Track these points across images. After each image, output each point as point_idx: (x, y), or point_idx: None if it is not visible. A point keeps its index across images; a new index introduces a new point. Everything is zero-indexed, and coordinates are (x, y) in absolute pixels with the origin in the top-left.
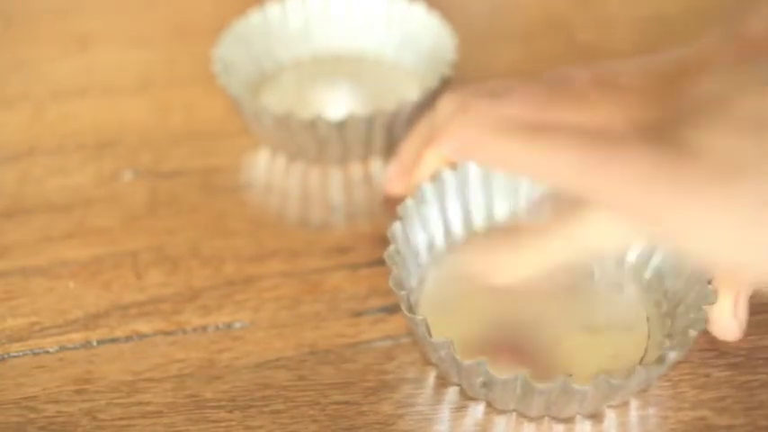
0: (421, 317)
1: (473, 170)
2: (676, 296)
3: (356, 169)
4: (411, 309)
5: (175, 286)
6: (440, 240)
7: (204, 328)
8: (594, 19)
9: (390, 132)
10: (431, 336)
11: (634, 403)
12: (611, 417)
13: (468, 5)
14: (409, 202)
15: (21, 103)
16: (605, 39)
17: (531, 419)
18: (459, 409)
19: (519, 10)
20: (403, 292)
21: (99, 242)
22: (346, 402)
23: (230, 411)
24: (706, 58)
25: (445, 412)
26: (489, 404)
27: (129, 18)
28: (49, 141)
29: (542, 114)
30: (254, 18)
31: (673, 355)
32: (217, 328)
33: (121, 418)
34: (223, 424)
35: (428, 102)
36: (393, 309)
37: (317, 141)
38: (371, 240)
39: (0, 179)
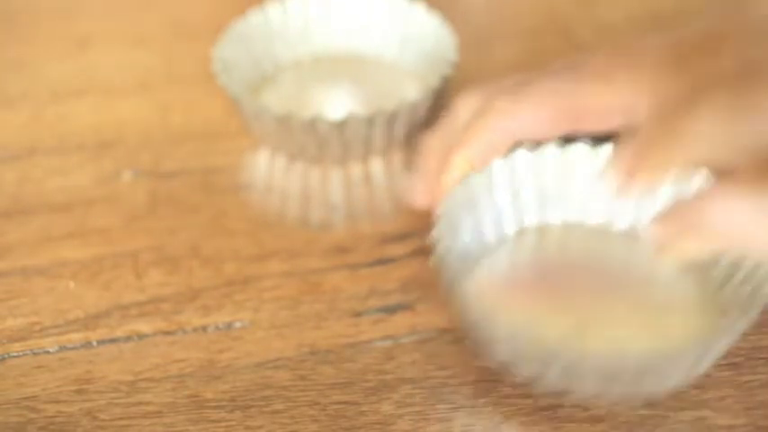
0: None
1: (498, 172)
2: (724, 272)
3: (356, 169)
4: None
5: (175, 286)
6: (474, 247)
7: (204, 328)
8: (594, 19)
9: (390, 132)
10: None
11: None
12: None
13: (469, 5)
14: (442, 208)
15: (21, 103)
16: (605, 39)
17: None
18: (458, 408)
19: (519, 10)
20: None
21: (99, 242)
22: (346, 402)
23: (230, 411)
24: (726, 30)
25: (445, 412)
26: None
27: (129, 18)
28: (49, 141)
29: (567, 103)
30: (254, 18)
31: (743, 322)
32: (217, 328)
33: (121, 418)
34: (223, 424)
35: (428, 102)
36: (393, 309)
37: (317, 141)
38: (371, 240)
39: (0, 179)
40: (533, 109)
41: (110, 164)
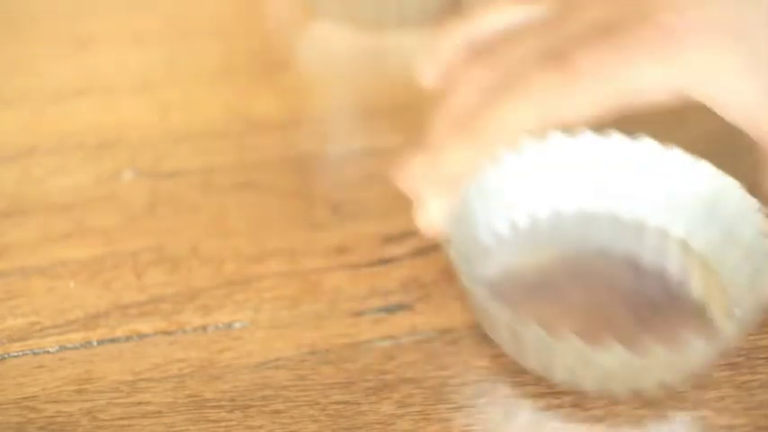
0: (501, 304)
1: (509, 163)
2: (730, 269)
3: (359, 168)
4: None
5: (175, 286)
6: (487, 239)
7: (204, 328)
8: None
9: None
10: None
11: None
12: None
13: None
14: (457, 202)
15: (21, 102)
16: None
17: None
18: (459, 409)
19: None
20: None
21: (99, 242)
22: (346, 402)
23: (230, 411)
24: None
25: (445, 412)
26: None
27: (129, 18)
28: (50, 141)
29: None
30: None
31: (746, 325)
32: (217, 327)
33: (121, 418)
34: (223, 424)
35: None
36: (393, 309)
37: None
38: (371, 240)
39: (0, 179)
40: (587, 92)
41: (110, 164)
